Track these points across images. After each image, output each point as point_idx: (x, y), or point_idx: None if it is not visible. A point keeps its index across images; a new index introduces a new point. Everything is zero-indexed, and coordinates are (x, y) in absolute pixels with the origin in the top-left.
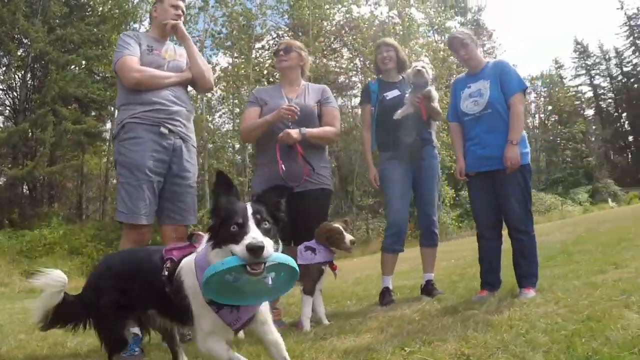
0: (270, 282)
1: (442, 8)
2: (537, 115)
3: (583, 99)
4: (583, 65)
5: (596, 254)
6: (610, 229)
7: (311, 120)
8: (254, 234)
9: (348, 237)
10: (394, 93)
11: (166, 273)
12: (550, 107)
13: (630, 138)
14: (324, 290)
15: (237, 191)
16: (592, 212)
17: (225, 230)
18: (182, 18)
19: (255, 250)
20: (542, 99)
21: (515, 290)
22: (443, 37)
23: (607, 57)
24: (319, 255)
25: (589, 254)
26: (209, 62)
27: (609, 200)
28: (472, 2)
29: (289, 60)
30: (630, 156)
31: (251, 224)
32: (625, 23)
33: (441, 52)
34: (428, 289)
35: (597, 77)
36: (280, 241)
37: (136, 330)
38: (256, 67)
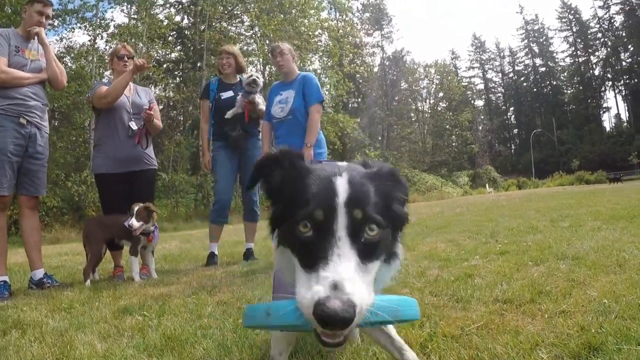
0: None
1: None
2: (427, 101)
3: (474, 90)
4: (478, 59)
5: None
6: (447, 215)
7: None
8: (336, 274)
9: (131, 221)
10: (229, 94)
11: None
12: (441, 94)
13: (515, 131)
14: (171, 255)
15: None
16: (470, 195)
17: (291, 228)
18: (48, 21)
19: (329, 324)
20: (434, 85)
21: None
22: (341, 16)
23: (501, 54)
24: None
25: None
26: (104, 19)
27: (486, 185)
28: None
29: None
30: (513, 147)
31: (341, 232)
32: (522, 27)
33: (340, 31)
34: (247, 255)
35: (490, 71)
36: (391, 257)
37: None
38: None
